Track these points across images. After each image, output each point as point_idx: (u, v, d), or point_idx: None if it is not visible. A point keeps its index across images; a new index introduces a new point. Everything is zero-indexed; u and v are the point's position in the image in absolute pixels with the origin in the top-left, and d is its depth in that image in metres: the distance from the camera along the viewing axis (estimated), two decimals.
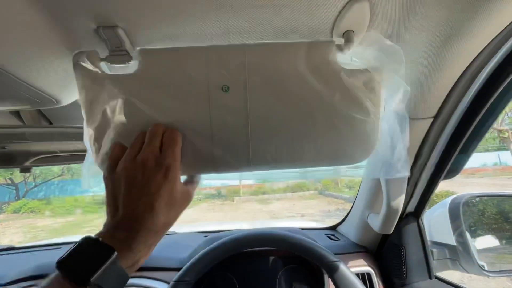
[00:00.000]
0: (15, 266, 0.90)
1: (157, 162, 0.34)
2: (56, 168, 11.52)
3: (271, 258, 0.92)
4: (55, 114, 0.64)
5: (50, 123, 0.64)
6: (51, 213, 10.55)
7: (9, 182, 11.67)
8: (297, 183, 13.32)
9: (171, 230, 1.19)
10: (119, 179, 0.34)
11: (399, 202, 0.64)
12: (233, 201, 11.51)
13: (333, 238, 1.05)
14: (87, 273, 0.27)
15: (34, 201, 11.15)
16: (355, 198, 0.96)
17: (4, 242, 6.84)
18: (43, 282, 0.28)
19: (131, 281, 0.81)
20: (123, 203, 0.33)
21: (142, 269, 0.83)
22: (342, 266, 0.63)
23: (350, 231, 1.02)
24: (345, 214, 1.09)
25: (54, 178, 12.38)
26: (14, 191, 11.83)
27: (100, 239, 0.30)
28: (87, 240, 0.30)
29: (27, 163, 0.59)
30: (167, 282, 0.82)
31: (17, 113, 0.62)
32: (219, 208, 10.41)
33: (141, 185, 0.33)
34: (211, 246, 0.63)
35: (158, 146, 0.35)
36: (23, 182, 11.86)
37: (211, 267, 0.62)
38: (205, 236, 1.13)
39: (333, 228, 1.15)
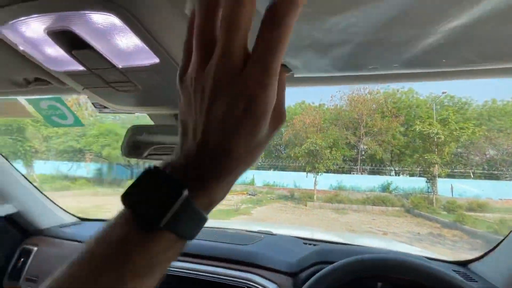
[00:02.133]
0: None
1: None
2: None
3: (379, 284, 0.82)
4: None
5: None
6: None
7: (127, 164, 14.78)
8: (380, 196, 11.99)
9: (267, 229, 1.22)
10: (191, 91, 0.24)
11: None
12: (305, 205, 11.28)
13: (466, 277, 0.85)
14: (158, 213, 0.21)
15: None
16: (510, 231, 0.76)
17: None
18: (109, 220, 0.23)
19: (241, 274, 0.87)
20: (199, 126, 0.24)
21: (252, 265, 0.88)
22: None
23: (494, 274, 0.81)
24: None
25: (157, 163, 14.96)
26: (130, 172, 14.91)
27: (168, 171, 0.23)
28: (154, 173, 0.23)
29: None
30: (275, 283, 0.84)
31: (176, 115, 0.74)
32: (291, 210, 10.37)
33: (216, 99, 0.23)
34: (347, 261, 0.59)
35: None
36: (136, 164, 14.80)
37: (342, 282, 0.58)
38: (305, 243, 1.12)
39: (463, 264, 0.95)
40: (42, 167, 14.11)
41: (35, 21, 0.37)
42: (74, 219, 1.36)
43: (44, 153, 14.87)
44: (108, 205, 9.28)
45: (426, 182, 12.11)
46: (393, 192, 13.16)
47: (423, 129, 11.73)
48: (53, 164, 14.68)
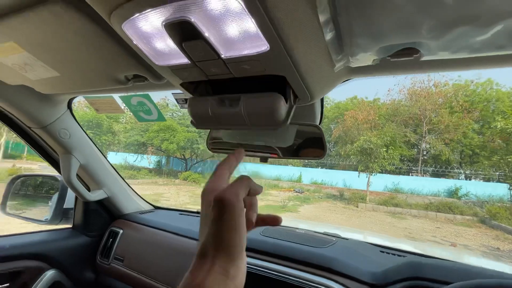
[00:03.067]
0: None
1: None
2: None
3: None
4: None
5: None
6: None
7: (182, 157, 15.97)
8: (445, 202, 10.58)
9: (334, 232, 1.13)
10: None
11: None
12: (357, 206, 10.62)
13: None
14: None
15: (195, 173, 14.70)
16: None
17: (179, 200, 9.41)
18: None
19: (319, 279, 0.82)
20: None
21: (330, 271, 0.81)
22: None
23: None
24: None
25: (208, 158, 15.81)
26: (184, 164, 16.09)
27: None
28: None
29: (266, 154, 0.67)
30: None
31: None
32: (341, 211, 9.86)
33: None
34: (481, 281, 0.49)
35: None
36: (190, 158, 15.90)
37: None
38: (382, 252, 1.01)
39: None
40: (114, 158, 16.21)
41: (154, 14, 0.37)
42: (150, 207, 1.48)
43: (115, 145, 17.04)
44: (167, 193, 10.19)
45: (509, 189, 10.22)
46: (463, 198, 11.46)
47: (507, 126, 9.88)
48: (122, 156, 16.73)
